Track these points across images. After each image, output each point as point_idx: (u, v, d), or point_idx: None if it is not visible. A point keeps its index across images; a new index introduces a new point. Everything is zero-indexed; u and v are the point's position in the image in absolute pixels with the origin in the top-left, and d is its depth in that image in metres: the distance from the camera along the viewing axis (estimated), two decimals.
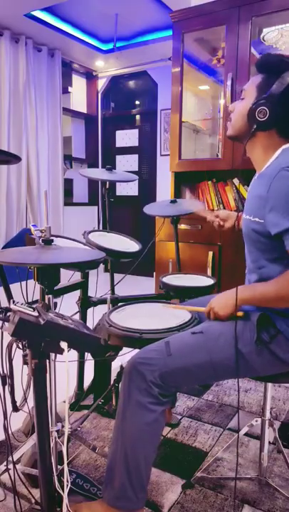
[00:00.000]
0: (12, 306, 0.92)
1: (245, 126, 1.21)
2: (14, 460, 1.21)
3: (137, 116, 4.85)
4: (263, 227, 1.11)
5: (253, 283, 1.23)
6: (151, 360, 1.12)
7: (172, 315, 1.38)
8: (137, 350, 1.19)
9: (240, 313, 1.18)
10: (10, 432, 1.09)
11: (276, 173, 1.07)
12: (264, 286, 1.13)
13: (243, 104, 1.21)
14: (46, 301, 1.13)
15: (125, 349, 1.34)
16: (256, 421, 1.45)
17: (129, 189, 4.91)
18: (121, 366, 1.36)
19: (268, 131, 1.17)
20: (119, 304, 1.62)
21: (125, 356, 1.33)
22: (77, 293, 1.84)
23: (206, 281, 1.85)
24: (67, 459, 1.48)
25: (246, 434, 1.71)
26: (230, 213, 1.64)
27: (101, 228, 2.13)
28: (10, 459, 1.14)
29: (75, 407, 1.87)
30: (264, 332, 1.14)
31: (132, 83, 4.91)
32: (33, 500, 1.31)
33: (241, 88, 1.25)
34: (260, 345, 1.13)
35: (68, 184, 4.68)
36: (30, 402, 1.01)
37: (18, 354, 0.98)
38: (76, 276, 1.85)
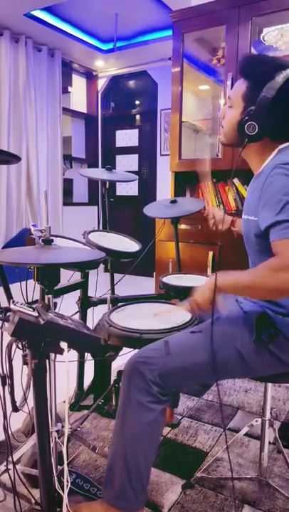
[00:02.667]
0: (12, 306, 0.92)
1: (236, 137, 1.20)
2: (14, 460, 1.21)
3: (137, 116, 4.85)
4: (258, 225, 1.10)
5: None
6: (151, 359, 1.12)
7: (172, 315, 1.38)
8: (137, 350, 1.18)
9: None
10: (10, 432, 1.09)
11: (271, 170, 1.07)
12: (241, 274, 1.10)
13: (232, 113, 1.20)
14: (46, 301, 1.13)
15: (125, 349, 1.34)
16: (256, 421, 1.44)
17: (129, 189, 4.91)
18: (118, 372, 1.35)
19: (260, 140, 1.16)
20: (119, 304, 1.62)
21: (125, 356, 1.33)
22: (77, 293, 1.83)
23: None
24: (67, 459, 1.48)
25: (246, 434, 1.71)
26: (225, 218, 1.64)
27: (101, 228, 2.13)
28: (10, 459, 1.14)
29: (75, 407, 1.87)
30: (264, 332, 1.14)
31: (132, 83, 4.91)
32: (33, 501, 1.31)
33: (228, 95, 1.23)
34: (259, 345, 1.13)
35: (68, 184, 4.68)
36: (30, 402, 1.01)
37: (18, 354, 0.98)
38: (76, 276, 1.85)
